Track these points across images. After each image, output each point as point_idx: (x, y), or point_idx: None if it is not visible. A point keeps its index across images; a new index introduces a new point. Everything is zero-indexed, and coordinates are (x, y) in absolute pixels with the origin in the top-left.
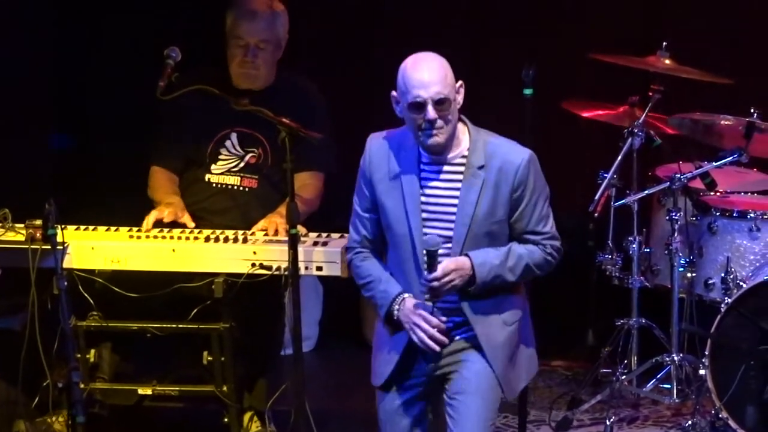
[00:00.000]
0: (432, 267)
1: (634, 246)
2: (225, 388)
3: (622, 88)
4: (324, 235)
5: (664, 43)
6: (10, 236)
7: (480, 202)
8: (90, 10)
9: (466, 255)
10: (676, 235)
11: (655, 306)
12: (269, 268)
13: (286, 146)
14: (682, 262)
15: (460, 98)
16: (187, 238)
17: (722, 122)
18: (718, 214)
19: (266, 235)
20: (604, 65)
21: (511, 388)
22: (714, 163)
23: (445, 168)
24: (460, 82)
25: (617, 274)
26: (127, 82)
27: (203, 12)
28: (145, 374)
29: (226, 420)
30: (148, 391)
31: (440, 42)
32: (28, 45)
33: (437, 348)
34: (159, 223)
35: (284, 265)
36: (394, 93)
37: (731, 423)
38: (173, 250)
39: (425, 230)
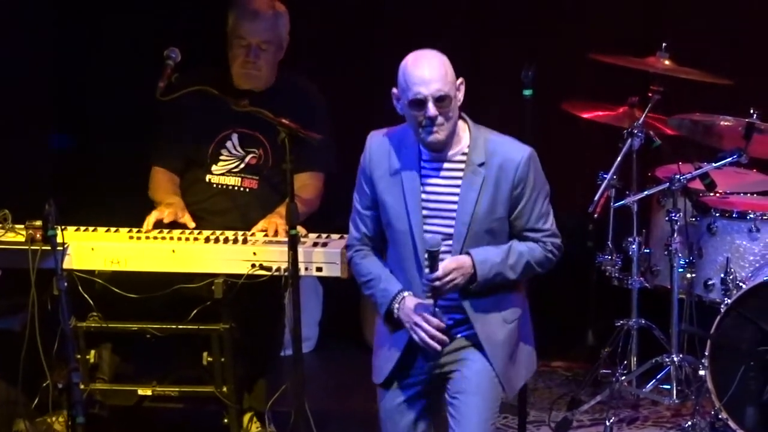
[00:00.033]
0: (433, 267)
1: (633, 247)
2: (225, 389)
3: (621, 88)
4: (324, 235)
5: (664, 44)
6: (10, 237)
7: (480, 200)
8: (90, 10)
9: (467, 253)
10: (675, 235)
11: (655, 307)
12: (269, 268)
13: (285, 147)
14: (681, 262)
15: (460, 95)
16: (187, 239)
17: (722, 123)
18: (717, 214)
19: (266, 235)
20: (603, 66)
21: (511, 386)
22: (713, 164)
23: (446, 165)
24: (460, 80)
25: (617, 274)
26: (127, 82)
27: (203, 12)
28: (145, 375)
29: (225, 421)
30: (148, 392)
31: (440, 42)
32: (28, 45)
33: (438, 347)
34: (159, 224)
35: (284, 265)
36: (394, 90)
37: (731, 424)
38: (173, 251)
39: (425, 227)
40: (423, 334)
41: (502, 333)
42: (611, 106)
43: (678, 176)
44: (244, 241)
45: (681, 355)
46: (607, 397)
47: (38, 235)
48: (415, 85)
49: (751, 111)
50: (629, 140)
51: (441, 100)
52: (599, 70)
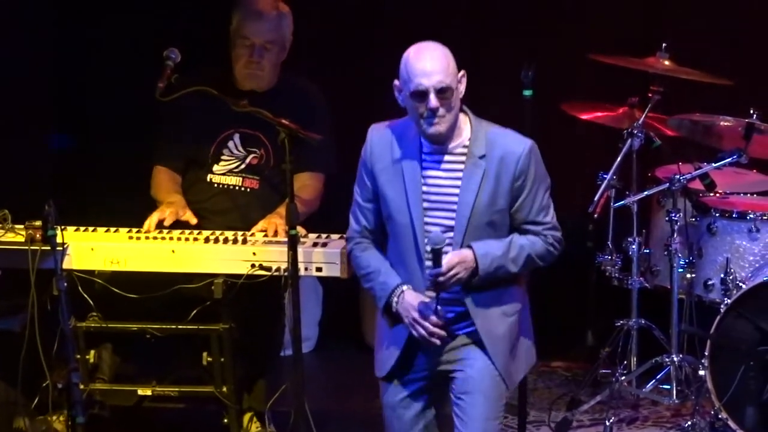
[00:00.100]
0: (437, 263)
1: (633, 247)
2: (225, 389)
3: (621, 89)
4: (324, 236)
5: (664, 44)
6: (10, 237)
7: (481, 192)
8: (90, 10)
9: (469, 246)
10: (675, 236)
11: (655, 307)
12: (269, 269)
13: (285, 147)
14: (681, 262)
15: (462, 88)
16: (187, 239)
17: (722, 123)
18: (717, 215)
19: (266, 236)
20: (603, 66)
21: (512, 380)
22: (713, 164)
23: (447, 158)
24: (462, 72)
25: (617, 274)
26: (127, 82)
27: (203, 12)
28: (144, 375)
29: (225, 421)
30: (148, 392)
31: (440, 42)
32: (28, 45)
33: (438, 342)
34: (160, 224)
35: (284, 266)
36: (396, 82)
37: (731, 423)
38: (173, 251)
39: (426, 220)
40: (421, 330)
41: (502, 327)
42: (611, 107)
43: (678, 176)
44: (244, 242)
45: (681, 355)
46: (607, 397)
47: (38, 236)
48: (416, 76)
49: (751, 111)
50: (629, 140)
51: (443, 92)
52: (599, 71)
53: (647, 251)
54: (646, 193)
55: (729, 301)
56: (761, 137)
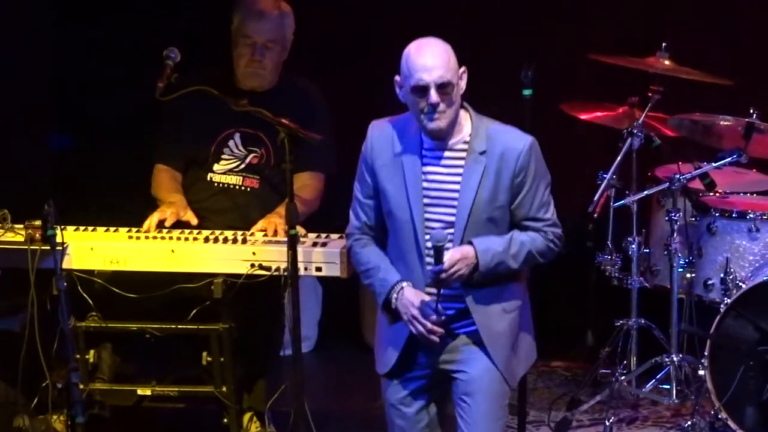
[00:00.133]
0: (439, 260)
1: (633, 246)
2: (224, 389)
3: (621, 88)
4: (323, 235)
5: (664, 44)
6: (10, 237)
7: (482, 188)
8: (90, 10)
9: (469, 242)
10: (675, 235)
11: (655, 306)
12: (268, 268)
13: (285, 147)
14: (681, 262)
15: (463, 84)
16: (186, 239)
17: (721, 123)
18: (717, 214)
19: (265, 235)
20: (603, 66)
21: (513, 377)
22: (713, 164)
23: (447, 153)
24: (463, 68)
25: (616, 274)
26: (127, 82)
27: (203, 12)
28: (144, 375)
29: (225, 421)
30: (148, 392)
31: None
32: (28, 45)
33: (437, 340)
34: (161, 224)
35: (283, 265)
36: (397, 77)
37: (730, 423)
38: (172, 251)
39: (427, 216)
40: (420, 327)
41: (502, 324)
42: (611, 106)
43: (678, 176)
44: (244, 241)
45: (680, 355)
46: (607, 397)
47: (38, 235)
48: (417, 71)
49: (751, 111)
50: (629, 140)
51: (443, 87)
52: (599, 71)
53: (647, 251)
54: (645, 192)
55: (729, 300)
56: (761, 137)
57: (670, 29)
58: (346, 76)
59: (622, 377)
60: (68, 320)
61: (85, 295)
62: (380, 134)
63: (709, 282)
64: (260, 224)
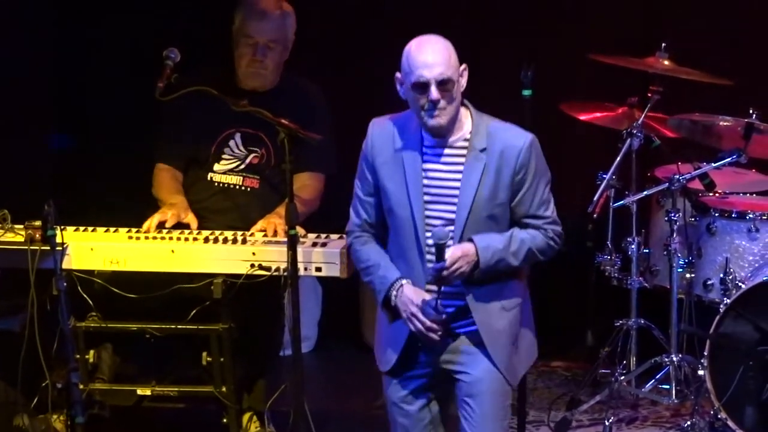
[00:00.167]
0: (440, 258)
1: (633, 247)
2: (224, 389)
3: (621, 89)
4: (323, 236)
5: (663, 44)
6: (10, 237)
7: (482, 185)
8: (90, 10)
9: (470, 240)
10: (675, 235)
11: (654, 307)
12: (268, 268)
13: (285, 147)
14: (681, 262)
15: (463, 81)
16: (186, 239)
17: (721, 123)
18: (717, 214)
19: (265, 235)
20: (603, 66)
21: (514, 376)
22: (713, 164)
23: (448, 151)
24: (464, 65)
25: (616, 274)
26: (127, 82)
27: (203, 12)
28: (144, 375)
29: (225, 420)
30: (147, 392)
31: None
32: (28, 45)
33: (436, 337)
34: (161, 225)
35: (283, 265)
36: (398, 74)
37: (730, 423)
38: (172, 251)
39: (427, 213)
40: (419, 325)
41: (501, 321)
42: (611, 107)
43: (677, 176)
44: (244, 241)
45: (680, 355)
46: (607, 397)
47: (37, 235)
48: (418, 68)
49: (751, 111)
50: (628, 140)
51: (444, 84)
52: (599, 71)
53: (647, 251)
54: (645, 193)
55: (728, 300)
56: (761, 137)
57: (669, 29)
58: (346, 76)
59: (622, 377)
60: (68, 320)
61: (84, 296)
62: (381, 131)
63: (709, 282)
64: (260, 224)
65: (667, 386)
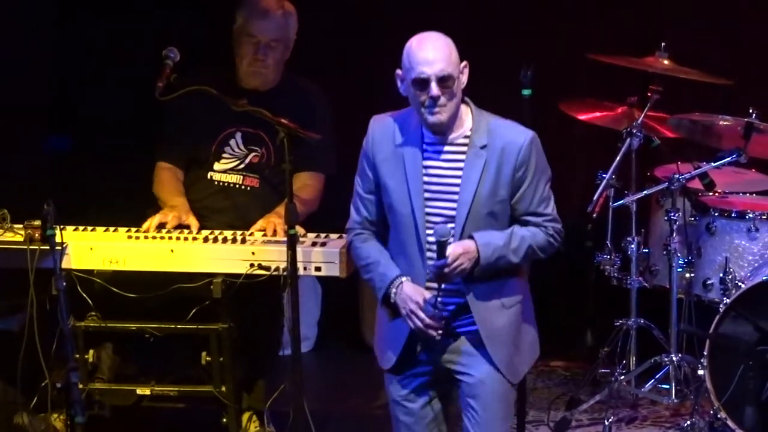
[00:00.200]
0: (441, 255)
1: (632, 246)
2: (224, 389)
3: (620, 88)
4: (323, 235)
5: (663, 44)
6: (9, 237)
7: (482, 182)
8: (90, 10)
9: (470, 237)
10: (674, 235)
11: (654, 306)
12: (268, 268)
13: (284, 147)
14: (680, 262)
15: (464, 78)
16: (186, 239)
17: (721, 123)
18: (716, 214)
19: (265, 235)
20: (602, 65)
21: (516, 375)
22: (713, 164)
23: (448, 148)
24: (464, 63)
25: (616, 274)
26: (127, 82)
27: (203, 12)
28: (144, 375)
29: (224, 420)
30: (147, 392)
31: None
32: (28, 45)
33: (435, 335)
34: (161, 226)
35: (283, 265)
36: (398, 71)
37: (730, 423)
38: (172, 251)
39: (427, 210)
40: (418, 322)
41: (501, 319)
42: (610, 106)
43: (677, 176)
44: (243, 241)
45: (680, 355)
46: (606, 397)
47: (37, 235)
48: (418, 65)
49: (750, 111)
50: (628, 140)
51: (444, 81)
52: (598, 70)
53: (646, 251)
54: (645, 192)
55: (728, 300)
56: (760, 137)
57: (669, 29)
58: (346, 76)
59: (622, 377)
60: (68, 320)
61: (84, 295)
62: (381, 128)
63: (709, 282)
64: (259, 224)
65: (667, 386)
